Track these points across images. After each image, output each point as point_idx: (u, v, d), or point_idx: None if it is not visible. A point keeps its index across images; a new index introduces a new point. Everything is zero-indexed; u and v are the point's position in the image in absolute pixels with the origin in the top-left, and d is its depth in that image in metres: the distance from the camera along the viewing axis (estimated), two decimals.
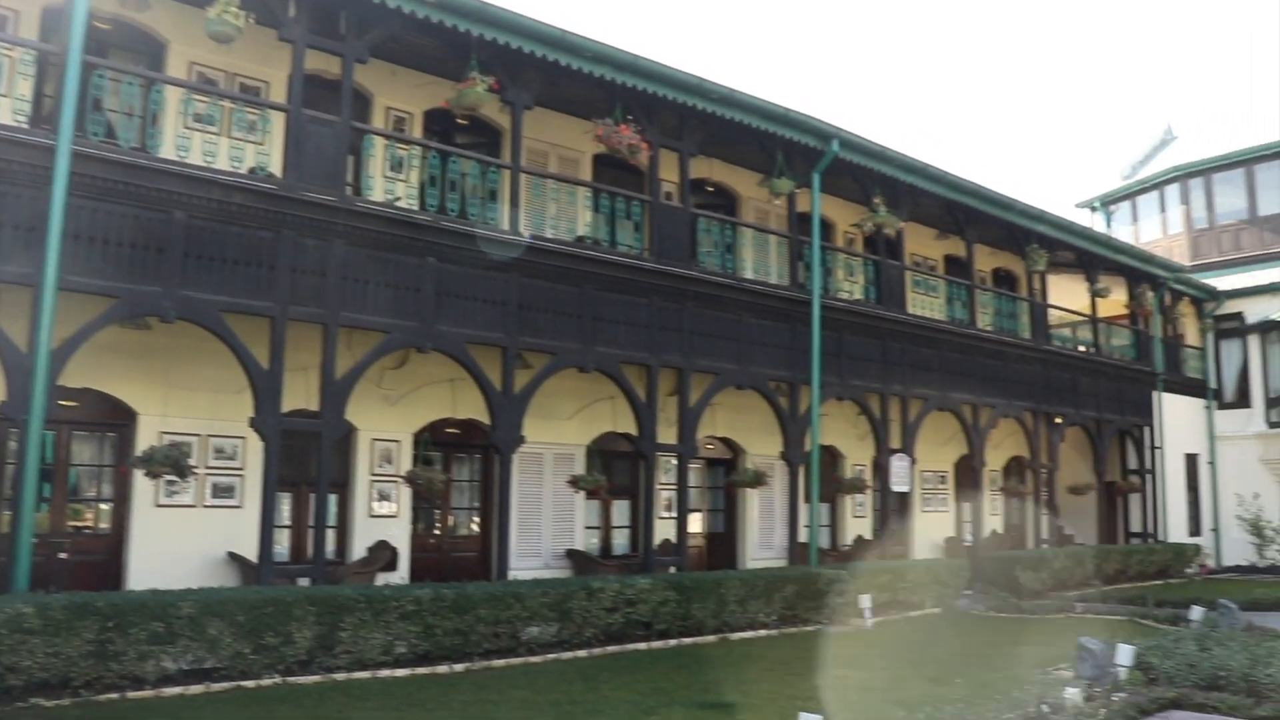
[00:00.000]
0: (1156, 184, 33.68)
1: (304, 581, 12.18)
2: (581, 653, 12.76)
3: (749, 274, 17.81)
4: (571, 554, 16.79)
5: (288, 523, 14.37)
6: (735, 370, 16.51)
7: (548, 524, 16.78)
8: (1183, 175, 32.90)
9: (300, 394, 12.72)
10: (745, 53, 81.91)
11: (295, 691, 10.14)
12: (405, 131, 15.84)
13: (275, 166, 12.78)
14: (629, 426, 15.87)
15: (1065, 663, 11.41)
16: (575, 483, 15.63)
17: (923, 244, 23.65)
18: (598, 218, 16.40)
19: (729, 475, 18.82)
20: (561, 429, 16.75)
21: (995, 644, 14.11)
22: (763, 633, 14.93)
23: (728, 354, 16.46)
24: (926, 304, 21.13)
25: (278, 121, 12.80)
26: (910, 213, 20.27)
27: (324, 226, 12.25)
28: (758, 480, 17.78)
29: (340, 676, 10.78)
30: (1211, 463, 28.83)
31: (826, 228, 21.01)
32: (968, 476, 22.37)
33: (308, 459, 13.29)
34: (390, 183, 14.94)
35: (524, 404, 13.93)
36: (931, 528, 23.10)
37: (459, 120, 15.97)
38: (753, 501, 19.70)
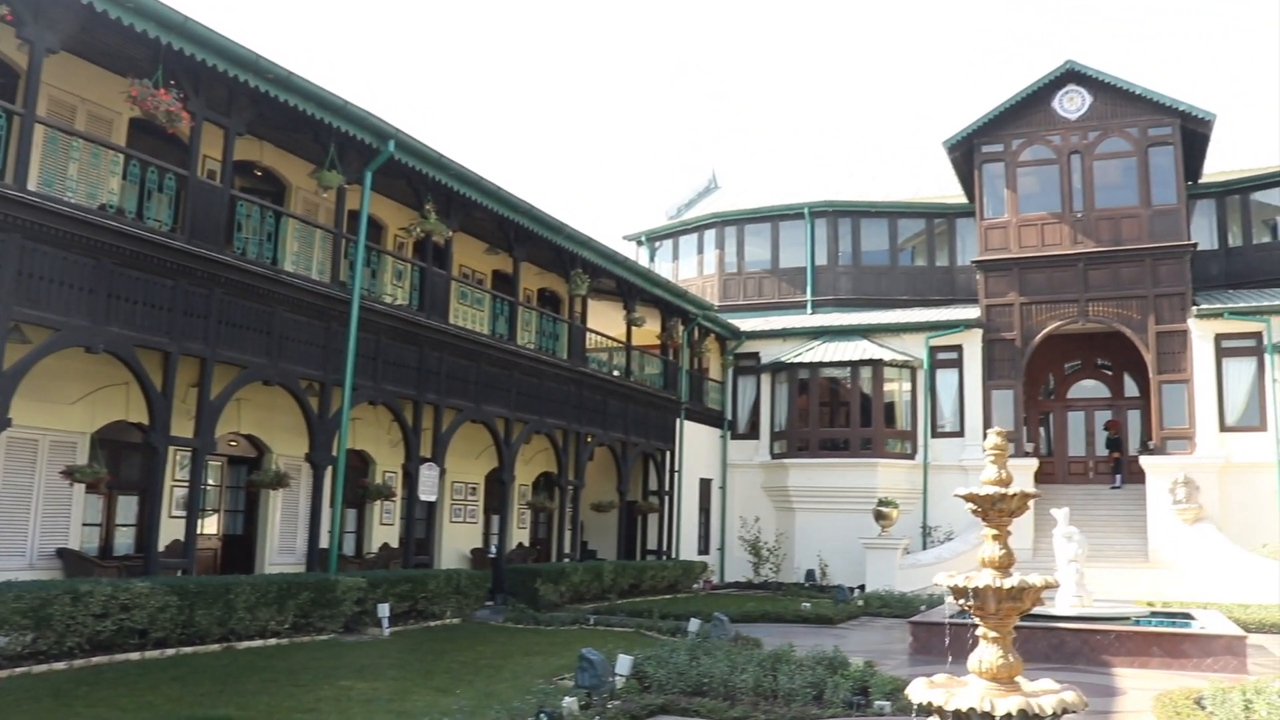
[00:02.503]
0: (697, 227, 36.31)
1: None
2: (61, 665, 11.48)
3: (289, 266, 17.05)
4: (64, 553, 15.15)
5: None
6: (265, 365, 15.66)
7: (37, 519, 15.01)
8: (720, 222, 35.70)
9: None
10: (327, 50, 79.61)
11: None
12: None
13: None
14: (144, 416, 14.61)
15: (570, 672, 11.70)
16: (70, 474, 14.12)
17: (472, 256, 23.86)
18: (127, 186, 15.01)
19: (250, 474, 17.85)
20: (63, 414, 15.11)
21: (508, 654, 14.25)
22: (273, 641, 14.23)
23: (258, 347, 15.57)
24: (470, 316, 21.27)
25: None
26: (462, 223, 20.35)
27: None
28: (280, 481, 17.00)
29: None
30: (723, 488, 31.29)
31: (376, 228, 20.63)
32: (498, 489, 22.69)
33: None
34: None
35: (14, 383, 12.37)
36: (459, 538, 23.26)
37: None
38: (276, 504, 18.80)
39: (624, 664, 11.09)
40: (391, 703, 10.18)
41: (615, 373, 26.57)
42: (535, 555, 25.33)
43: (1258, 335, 27.65)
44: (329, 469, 16.90)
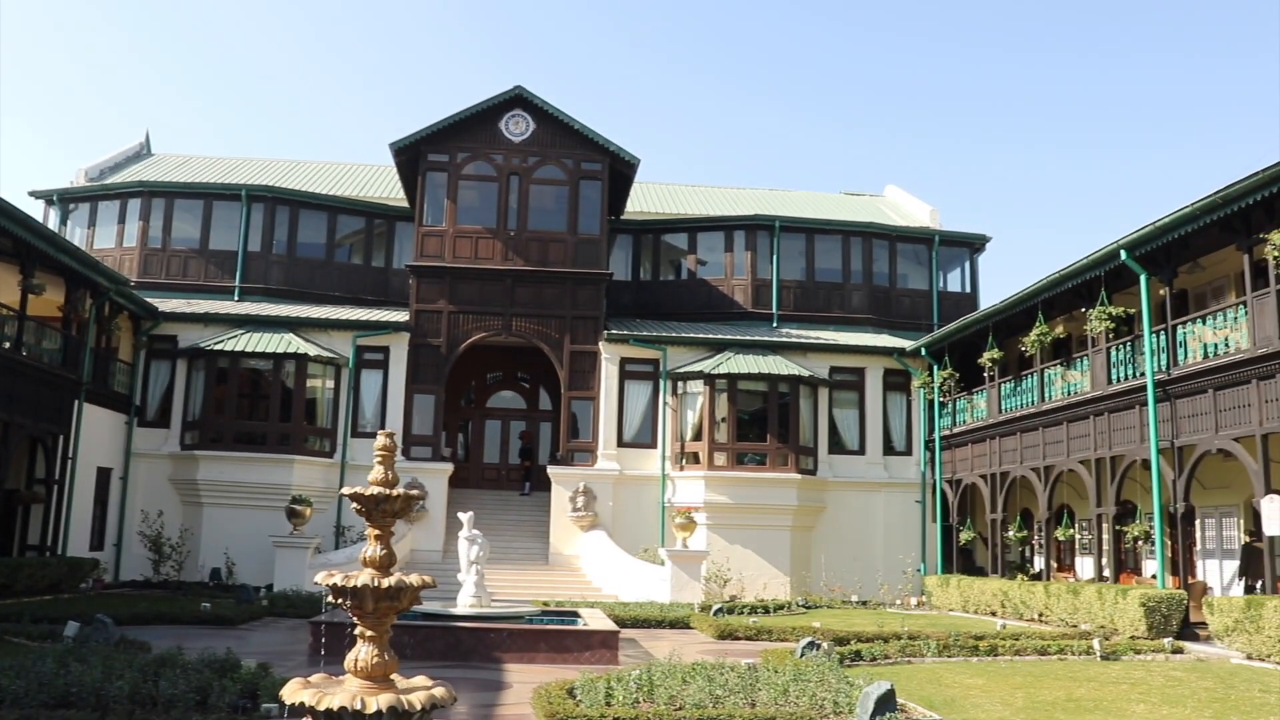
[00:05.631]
0: (121, 194, 33.52)
1: None
2: None
3: None
4: None
5: None
6: None
7: None
8: (148, 192, 33.22)
9: None
10: None
11: None
12: None
13: None
14: None
15: None
16: None
17: None
18: None
19: None
20: None
21: None
22: None
23: None
24: None
25: None
26: None
27: None
28: None
29: None
30: (124, 478, 28.89)
31: None
32: None
33: None
34: None
35: None
36: None
37: None
38: None
39: None
40: None
41: (7, 344, 23.58)
42: None
43: (656, 362, 30.61)
44: None
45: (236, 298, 32.07)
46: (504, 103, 31.55)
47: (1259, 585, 19.74)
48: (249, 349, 28.86)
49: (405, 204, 33.74)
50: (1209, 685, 13.37)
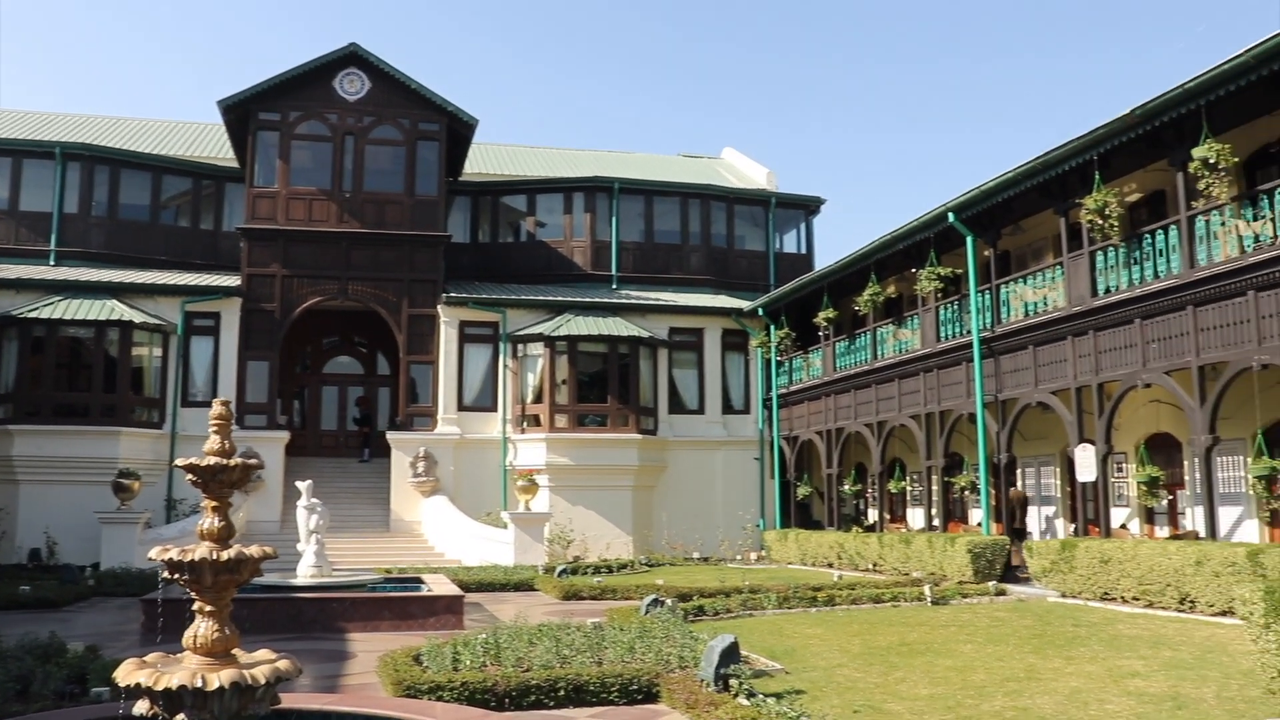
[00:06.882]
0: None
1: None
2: None
3: None
4: None
5: None
6: None
7: None
8: None
9: None
10: None
11: None
12: None
13: None
14: None
15: None
16: None
17: None
18: None
19: None
20: None
21: None
22: None
23: None
24: None
25: None
26: None
27: None
28: None
29: None
30: None
31: None
32: None
33: None
34: None
35: None
36: None
37: None
38: None
39: None
40: None
41: None
42: None
43: (495, 325, 30.44)
44: None
45: (53, 262, 30.45)
46: (338, 60, 30.69)
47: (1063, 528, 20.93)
48: (67, 316, 27.47)
49: (235, 164, 32.58)
50: (1029, 623, 14.14)
